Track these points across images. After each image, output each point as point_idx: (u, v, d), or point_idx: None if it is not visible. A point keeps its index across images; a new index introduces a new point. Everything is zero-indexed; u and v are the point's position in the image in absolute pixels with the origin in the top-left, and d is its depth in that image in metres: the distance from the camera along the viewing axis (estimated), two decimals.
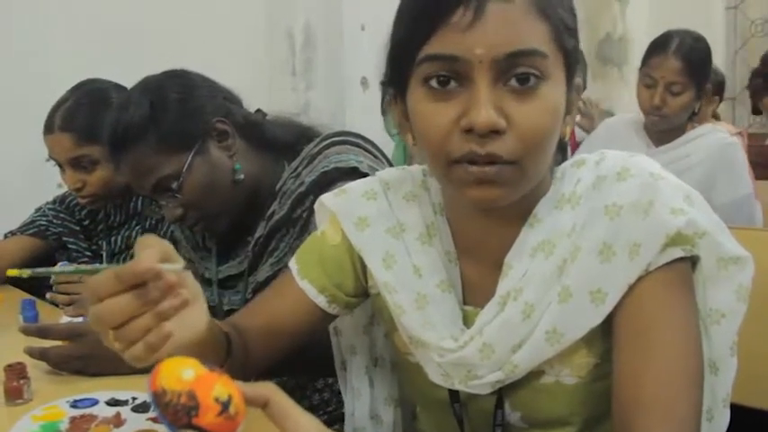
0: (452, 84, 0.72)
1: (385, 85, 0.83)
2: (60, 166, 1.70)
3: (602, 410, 0.83)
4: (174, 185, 1.22)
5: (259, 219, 1.28)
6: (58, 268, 0.74)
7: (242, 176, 1.26)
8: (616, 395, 0.75)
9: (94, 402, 0.92)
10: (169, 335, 0.63)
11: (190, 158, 1.22)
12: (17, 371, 0.95)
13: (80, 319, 1.14)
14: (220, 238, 1.37)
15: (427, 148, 0.76)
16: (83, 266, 0.69)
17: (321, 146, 1.26)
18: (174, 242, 1.45)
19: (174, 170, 1.21)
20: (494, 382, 0.83)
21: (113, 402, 0.92)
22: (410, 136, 0.81)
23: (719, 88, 3.52)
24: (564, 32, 0.74)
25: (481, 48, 0.70)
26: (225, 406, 0.56)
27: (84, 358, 1.02)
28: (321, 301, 0.93)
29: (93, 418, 0.87)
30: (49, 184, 2.46)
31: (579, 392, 0.83)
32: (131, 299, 0.62)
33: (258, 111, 1.36)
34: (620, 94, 3.85)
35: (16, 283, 1.61)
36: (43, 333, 1.06)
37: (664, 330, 0.75)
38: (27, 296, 1.37)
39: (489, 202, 0.75)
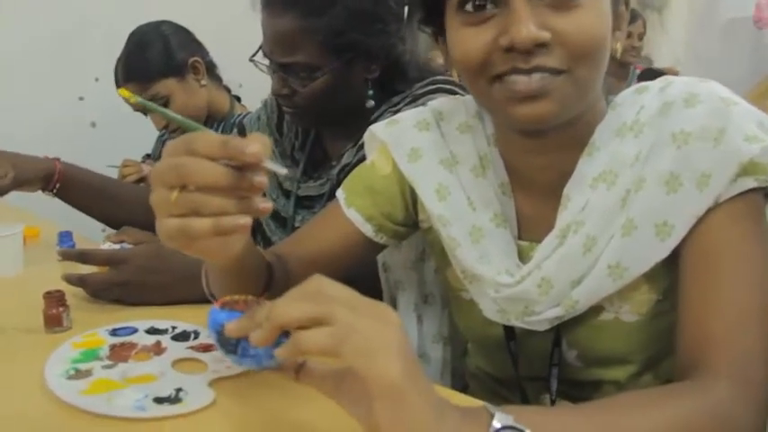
0: (489, 7, 0.70)
1: (421, 25, 0.80)
2: (145, 114, 1.90)
3: (662, 349, 0.79)
4: (303, 75, 1.16)
5: (348, 142, 1.23)
6: (165, 109, 0.73)
7: (372, 103, 1.20)
8: (681, 331, 0.71)
9: (134, 331, 0.90)
10: (244, 227, 0.58)
11: (337, 65, 1.15)
12: (56, 298, 0.93)
13: (119, 246, 1.11)
14: (309, 154, 1.32)
15: (466, 71, 0.73)
16: (191, 121, 0.66)
17: (427, 89, 1.19)
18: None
19: (317, 64, 1.15)
20: (552, 319, 0.79)
21: (153, 331, 0.90)
22: (455, 72, 0.78)
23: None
24: None
25: None
26: None
27: (123, 286, 0.99)
28: (368, 229, 0.90)
29: (133, 345, 0.86)
30: None
31: (639, 330, 0.80)
32: (229, 171, 0.56)
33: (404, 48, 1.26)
34: (658, 41, 3.69)
35: None
36: (83, 258, 1.03)
37: (733, 265, 0.70)
38: (64, 229, 1.36)
39: (538, 119, 0.70)
